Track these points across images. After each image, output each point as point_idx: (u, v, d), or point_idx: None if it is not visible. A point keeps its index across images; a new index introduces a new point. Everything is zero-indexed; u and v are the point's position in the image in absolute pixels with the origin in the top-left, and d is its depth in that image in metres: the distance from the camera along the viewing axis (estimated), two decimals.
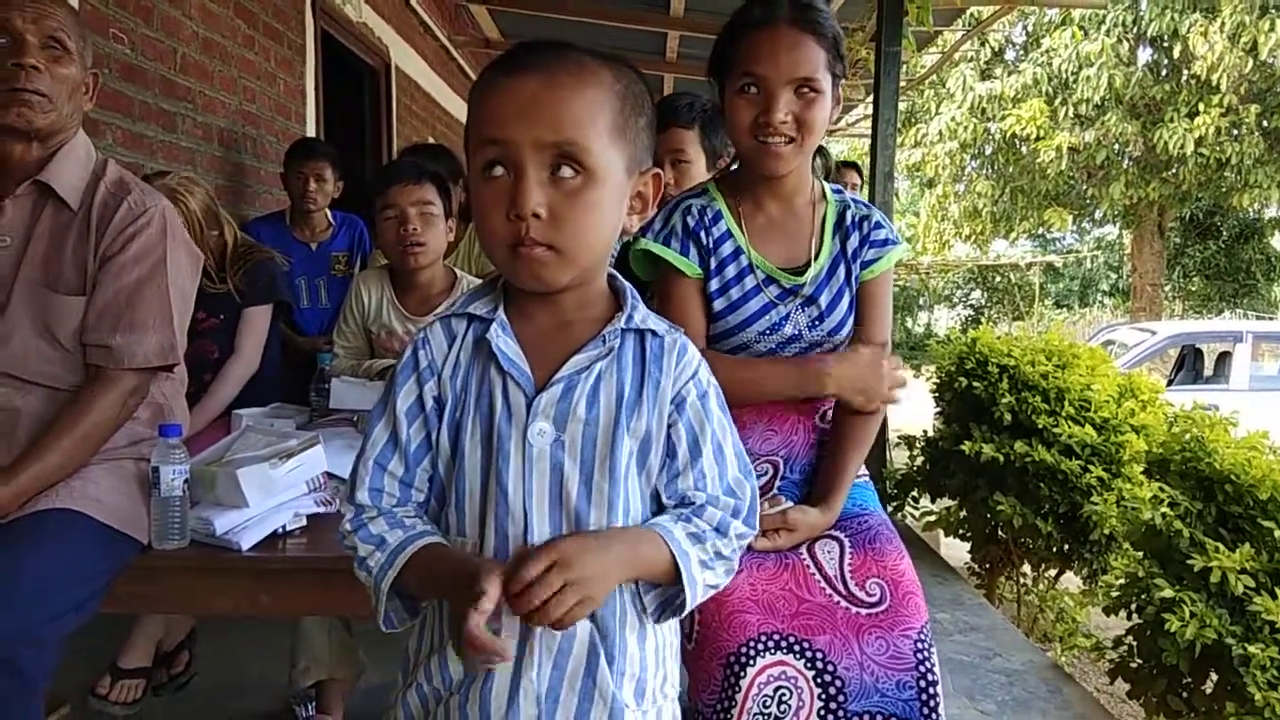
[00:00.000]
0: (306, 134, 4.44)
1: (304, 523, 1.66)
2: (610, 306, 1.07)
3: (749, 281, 1.60)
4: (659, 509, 1.07)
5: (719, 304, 1.59)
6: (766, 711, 1.33)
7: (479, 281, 1.73)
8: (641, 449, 1.03)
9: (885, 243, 1.66)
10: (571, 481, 1.00)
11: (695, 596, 1.02)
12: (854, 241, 1.65)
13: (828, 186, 1.70)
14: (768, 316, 1.60)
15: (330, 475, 1.74)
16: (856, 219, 1.66)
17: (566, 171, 0.95)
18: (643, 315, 1.06)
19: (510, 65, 0.98)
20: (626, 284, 1.08)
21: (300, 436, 1.75)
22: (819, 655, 1.36)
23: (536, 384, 1.02)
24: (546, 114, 0.94)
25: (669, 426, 1.05)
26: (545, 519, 1.00)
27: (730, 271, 1.60)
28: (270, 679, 2.36)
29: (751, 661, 1.34)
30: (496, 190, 0.96)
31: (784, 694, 1.34)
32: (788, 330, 1.61)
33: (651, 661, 1.06)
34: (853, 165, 5.25)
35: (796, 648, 1.37)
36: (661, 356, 1.05)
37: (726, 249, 1.61)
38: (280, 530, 1.62)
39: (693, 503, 1.06)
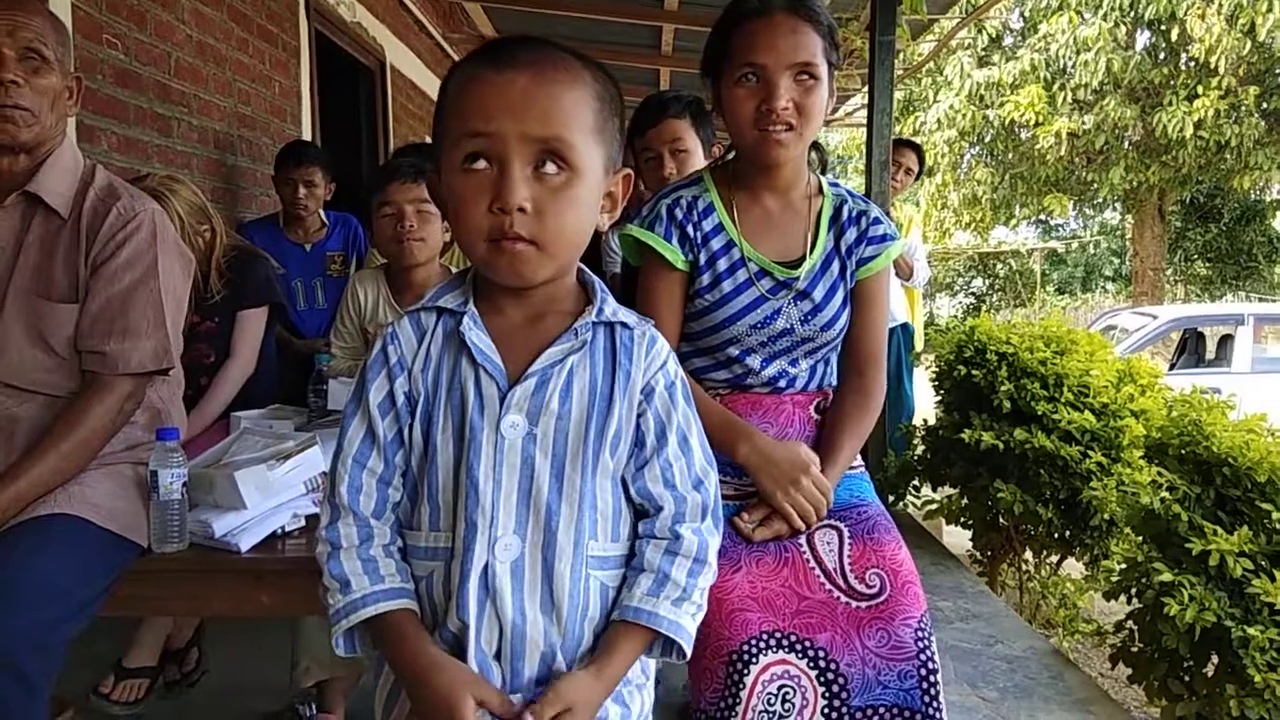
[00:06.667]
0: (302, 135, 4.44)
1: (302, 523, 1.67)
2: (580, 300, 1.08)
3: (741, 275, 1.60)
4: (629, 504, 1.08)
5: (710, 297, 1.60)
6: (770, 709, 1.33)
7: None
8: (613, 442, 1.04)
9: (884, 239, 1.66)
10: (542, 476, 1.01)
11: (690, 644, 1.06)
12: (850, 237, 1.65)
13: (825, 181, 1.69)
14: (759, 310, 1.60)
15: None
16: (854, 214, 1.66)
17: (551, 167, 0.96)
18: (613, 308, 1.08)
19: (496, 60, 0.97)
20: (595, 277, 1.10)
21: (298, 437, 1.76)
22: (821, 653, 1.36)
23: (509, 377, 1.02)
24: (535, 109, 0.95)
25: (638, 416, 1.06)
26: (511, 513, 1.01)
27: (722, 264, 1.60)
28: (272, 680, 2.37)
29: (755, 659, 1.34)
30: (478, 182, 0.96)
31: (787, 692, 1.34)
32: (780, 324, 1.61)
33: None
34: (912, 145, 4.67)
35: (798, 646, 1.37)
36: (632, 348, 1.07)
37: (718, 242, 1.61)
38: (279, 531, 1.63)
39: (660, 508, 1.07)
